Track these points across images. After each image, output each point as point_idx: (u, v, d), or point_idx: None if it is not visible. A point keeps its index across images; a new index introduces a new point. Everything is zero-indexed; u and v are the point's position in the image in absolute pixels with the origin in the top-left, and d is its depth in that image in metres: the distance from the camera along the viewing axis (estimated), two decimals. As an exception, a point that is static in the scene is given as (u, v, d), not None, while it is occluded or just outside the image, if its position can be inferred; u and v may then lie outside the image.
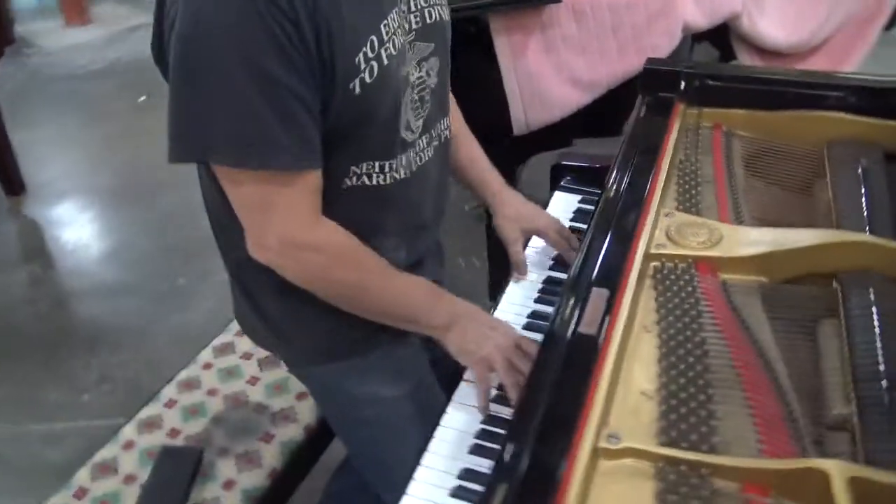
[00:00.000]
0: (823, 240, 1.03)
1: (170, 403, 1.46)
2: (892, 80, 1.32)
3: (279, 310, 1.10)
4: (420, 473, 0.97)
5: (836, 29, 2.23)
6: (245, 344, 1.58)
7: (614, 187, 1.16)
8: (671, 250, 1.04)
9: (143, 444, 1.37)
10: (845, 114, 1.31)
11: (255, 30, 0.80)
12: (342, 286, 1.01)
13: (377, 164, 0.99)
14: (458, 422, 1.04)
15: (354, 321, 1.07)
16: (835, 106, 1.32)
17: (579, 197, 1.51)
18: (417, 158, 1.05)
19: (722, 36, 2.01)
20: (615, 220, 1.08)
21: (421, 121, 1.03)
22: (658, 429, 0.81)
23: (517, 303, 1.23)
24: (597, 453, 0.77)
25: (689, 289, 0.99)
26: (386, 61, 0.92)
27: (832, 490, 0.68)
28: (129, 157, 3.47)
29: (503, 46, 1.77)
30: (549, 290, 1.26)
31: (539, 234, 1.29)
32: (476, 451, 0.99)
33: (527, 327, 1.18)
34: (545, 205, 1.48)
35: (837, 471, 0.70)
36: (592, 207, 1.46)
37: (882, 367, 0.86)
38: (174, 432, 1.39)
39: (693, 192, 1.19)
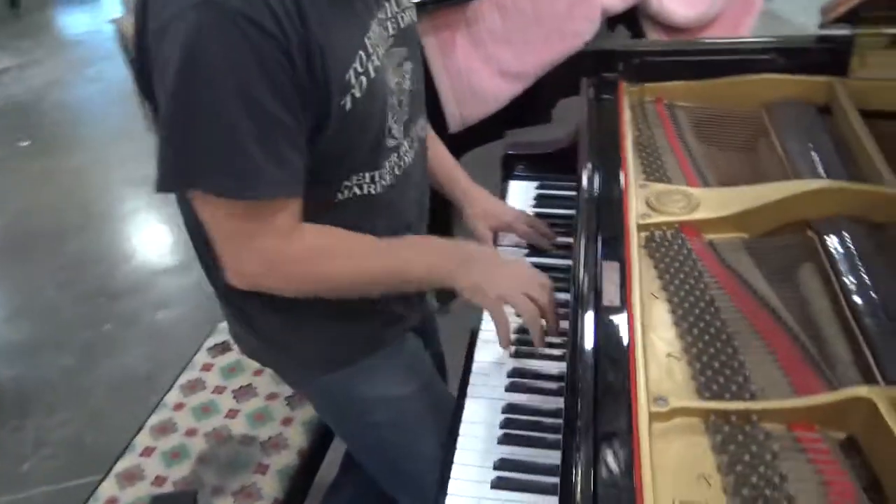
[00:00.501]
0: (793, 191, 1.09)
1: (146, 451, 1.38)
2: (810, 38, 1.42)
3: (277, 326, 1.07)
4: (457, 471, 0.96)
5: (727, 1, 2.36)
6: (215, 378, 1.52)
7: (590, 166, 1.18)
8: (657, 219, 1.08)
9: (127, 498, 1.29)
10: (775, 74, 1.39)
11: (246, 62, 0.78)
12: (341, 279, 0.98)
13: (367, 174, 0.99)
14: (480, 415, 1.03)
15: (355, 324, 1.05)
16: (764, 68, 1.40)
17: (536, 183, 1.53)
18: (401, 162, 1.05)
19: (632, 18, 2.09)
20: (601, 197, 1.10)
21: (402, 125, 1.03)
22: (696, 387, 0.84)
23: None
24: (650, 418, 0.78)
25: (684, 252, 1.03)
26: (373, 74, 0.91)
27: (880, 412, 0.73)
28: (24, 205, 3.25)
29: (431, 46, 1.77)
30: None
31: (509, 229, 1.31)
32: (505, 440, 0.99)
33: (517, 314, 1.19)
34: (500, 195, 1.49)
35: (880, 395, 0.74)
36: (551, 192, 1.51)
37: (879, 302, 0.92)
38: (160, 480, 1.32)
39: (657, 162, 1.24)
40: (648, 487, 0.69)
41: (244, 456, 1.34)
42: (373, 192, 1.00)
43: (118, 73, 4.08)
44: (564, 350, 1.12)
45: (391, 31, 0.98)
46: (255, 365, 1.53)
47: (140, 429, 1.43)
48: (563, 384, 1.06)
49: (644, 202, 1.11)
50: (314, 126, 0.89)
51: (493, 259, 1.06)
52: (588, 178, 1.15)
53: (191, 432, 1.40)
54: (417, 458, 1.11)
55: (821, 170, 1.17)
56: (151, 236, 2.98)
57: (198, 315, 2.54)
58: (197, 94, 0.80)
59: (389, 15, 0.98)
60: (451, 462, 0.97)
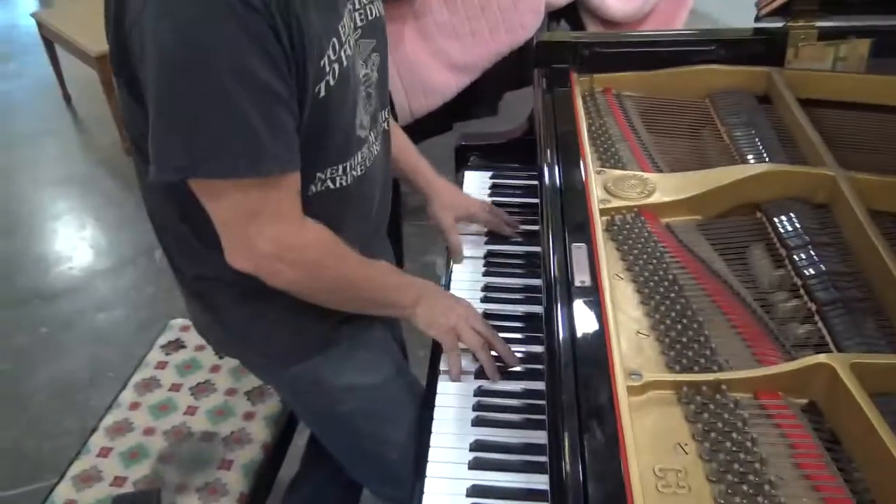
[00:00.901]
0: (741, 175, 1.15)
1: (103, 452, 1.34)
2: (748, 31, 1.48)
3: (244, 317, 1.06)
4: (434, 454, 0.97)
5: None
6: (170, 375, 1.49)
7: (549, 154, 1.21)
8: (616, 203, 1.12)
9: (86, 499, 1.25)
10: (717, 65, 1.45)
11: (237, 35, 0.77)
12: (332, 282, 1.00)
13: (340, 167, 0.99)
14: (452, 399, 1.05)
15: (319, 314, 1.05)
16: (707, 59, 1.46)
17: (490, 173, 1.56)
18: (370, 154, 1.06)
19: (573, 12, 2.14)
20: (564, 184, 1.13)
21: (369, 116, 1.03)
22: (666, 361, 0.87)
23: (468, 279, 1.26)
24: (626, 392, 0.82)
25: (645, 235, 1.07)
26: (345, 62, 0.91)
27: (840, 377, 0.78)
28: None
29: (380, 38, 1.77)
30: (493, 263, 1.30)
31: (473, 219, 1.33)
32: (479, 422, 1.01)
33: (485, 300, 1.22)
34: (458, 186, 1.52)
35: (839, 361, 0.80)
36: (506, 181, 1.53)
37: (827, 276, 0.98)
38: (119, 480, 1.28)
39: (612, 150, 1.28)
40: (633, 457, 0.72)
41: (207, 452, 1.32)
42: (344, 184, 1.01)
43: (40, 68, 3.92)
44: (528, 334, 1.16)
45: (359, 23, 0.98)
46: (213, 361, 1.51)
47: (94, 430, 1.39)
48: (529, 366, 1.10)
49: (602, 188, 1.14)
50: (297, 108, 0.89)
51: (442, 294, 1.13)
52: (549, 165, 1.18)
53: (149, 431, 1.37)
54: (389, 445, 1.12)
55: (765, 155, 1.23)
56: (86, 237, 2.88)
57: (140, 315, 2.47)
58: (194, 78, 0.78)
59: (358, 6, 0.98)
60: (426, 446, 0.99)
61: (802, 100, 1.34)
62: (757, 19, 1.47)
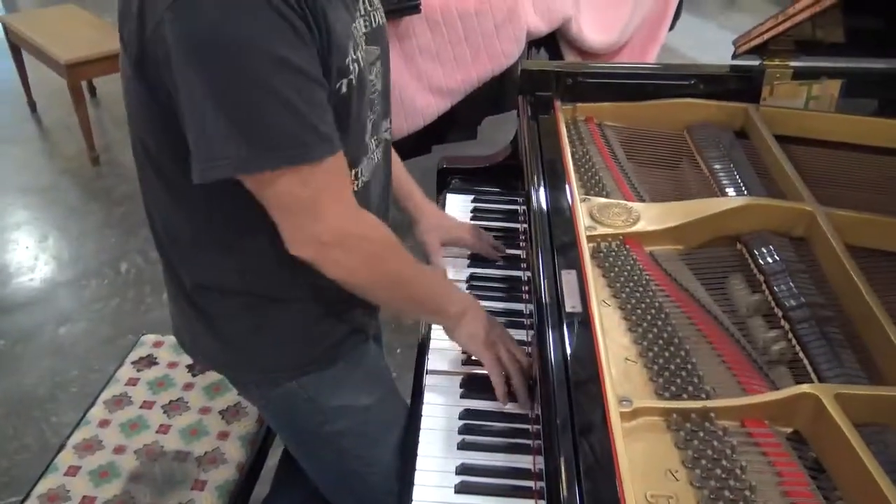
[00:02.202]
0: (723, 207, 1.18)
1: (71, 471, 1.30)
2: (725, 67, 1.53)
3: (243, 330, 1.03)
4: (420, 478, 0.97)
5: (635, 29, 2.51)
6: (142, 392, 1.46)
7: (537, 180, 1.23)
8: (602, 231, 1.14)
9: (52, 520, 1.22)
10: (695, 100, 1.49)
11: (274, 24, 0.77)
12: (387, 276, 1.00)
13: (351, 171, 0.99)
14: (438, 422, 1.05)
15: (323, 330, 1.04)
16: (686, 93, 1.50)
17: (471, 196, 1.57)
18: (373, 161, 1.06)
19: (552, 41, 2.19)
20: (551, 210, 1.15)
21: (371, 124, 1.04)
22: (654, 388, 0.89)
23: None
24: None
25: (630, 262, 1.09)
26: (361, 63, 0.92)
27: (825, 407, 0.80)
28: None
29: (364, 59, 1.78)
30: (475, 286, 1.31)
31: (460, 242, 1.34)
32: (465, 446, 1.01)
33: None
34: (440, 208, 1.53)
35: (824, 391, 0.82)
36: (487, 205, 1.55)
37: (807, 308, 1.00)
38: (87, 500, 1.25)
39: (595, 178, 1.30)
40: (628, 482, 0.73)
41: (180, 472, 1.30)
42: (353, 189, 1.00)
43: (4, 74, 3.84)
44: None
45: (364, 28, 0.99)
46: (186, 378, 1.49)
47: (62, 447, 1.35)
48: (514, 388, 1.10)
49: (588, 215, 1.16)
50: None
51: (482, 310, 1.12)
52: (536, 191, 1.20)
53: (119, 449, 1.34)
54: (374, 467, 1.11)
55: (744, 188, 1.27)
56: (48, 247, 2.81)
57: (104, 329, 2.42)
58: (237, 70, 0.78)
59: (363, 12, 0.98)
60: (412, 469, 0.98)
61: (778, 136, 1.38)
62: (734, 56, 1.51)
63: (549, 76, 1.51)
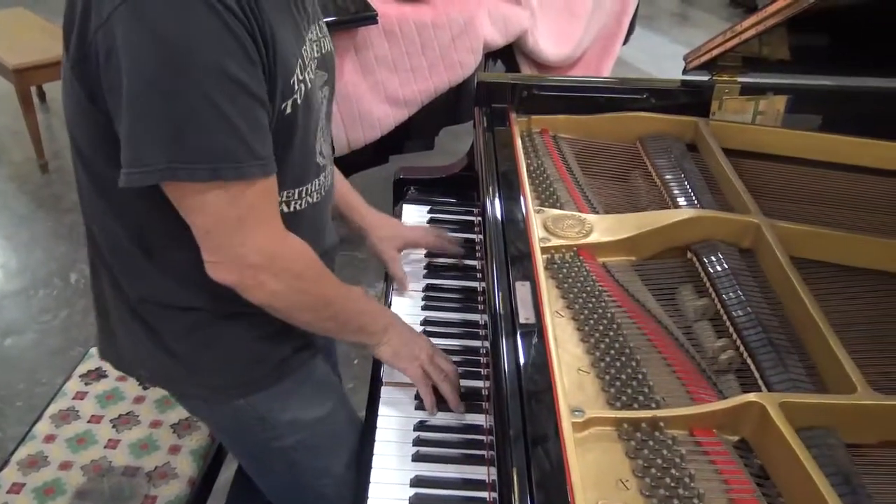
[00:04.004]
0: (673, 218, 1.20)
1: (14, 488, 1.26)
2: (676, 82, 1.56)
3: (194, 346, 1.02)
4: (373, 490, 0.97)
5: (590, 44, 2.55)
6: (90, 407, 1.42)
7: (492, 191, 1.24)
8: (556, 242, 1.15)
9: (-7, 540, 1.18)
10: (647, 113, 1.52)
11: (219, 35, 0.76)
12: (312, 299, 0.99)
13: (296, 190, 0.98)
14: (393, 434, 1.05)
15: (273, 346, 1.03)
16: (638, 107, 1.53)
17: (427, 207, 1.57)
18: (326, 182, 1.06)
19: (509, 53, 2.21)
20: (506, 221, 1.16)
21: (327, 145, 1.04)
22: (606, 398, 0.90)
23: (407, 313, 1.26)
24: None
25: (583, 274, 1.10)
26: (309, 85, 0.92)
27: (770, 415, 0.82)
28: None
29: (320, 68, 1.78)
30: (432, 297, 1.31)
31: (416, 246, 1.34)
32: (419, 457, 1.01)
33: (424, 334, 1.22)
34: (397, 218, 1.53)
35: (769, 400, 0.84)
36: (443, 216, 1.55)
37: (754, 316, 1.03)
38: (32, 518, 1.21)
39: (549, 189, 1.32)
40: (579, 492, 0.74)
41: (129, 488, 1.27)
42: (298, 208, 1.00)
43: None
44: (466, 368, 1.17)
45: (315, 53, 0.99)
46: (136, 391, 1.46)
47: (5, 463, 1.31)
48: (469, 401, 1.10)
49: (542, 227, 1.17)
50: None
51: (405, 325, 1.13)
52: (491, 202, 1.21)
53: (65, 465, 1.30)
54: (327, 479, 1.10)
55: (694, 199, 1.30)
56: (-8, 257, 2.74)
57: (52, 341, 2.35)
58: (174, 77, 0.76)
59: (315, 38, 0.99)
60: (367, 482, 0.98)
61: (727, 149, 1.42)
62: (685, 72, 1.55)
63: (505, 88, 1.52)
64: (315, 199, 1.03)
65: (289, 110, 0.89)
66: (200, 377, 1.04)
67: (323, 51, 1.02)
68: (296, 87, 0.89)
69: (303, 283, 0.96)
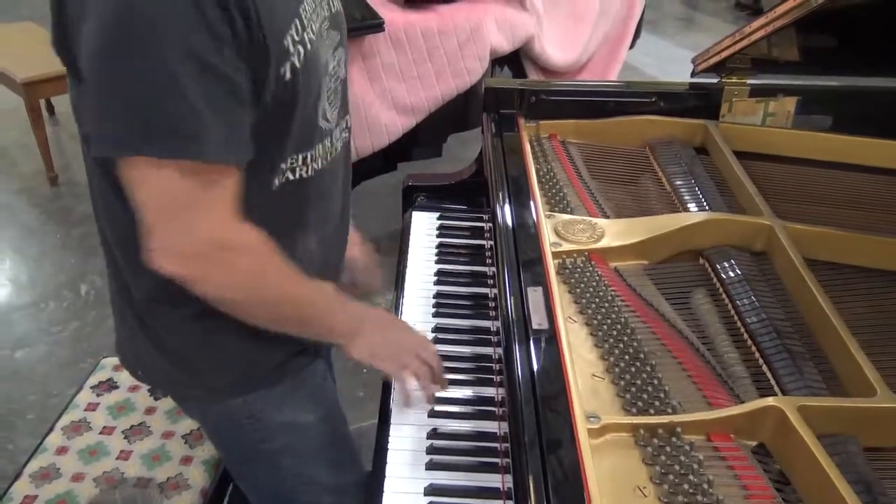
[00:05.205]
0: (685, 222, 1.19)
1: (27, 500, 1.26)
2: (685, 85, 1.55)
3: (190, 345, 1.01)
4: (387, 499, 0.96)
5: (597, 48, 2.54)
6: (101, 418, 1.42)
7: (502, 197, 1.23)
8: (567, 247, 1.14)
9: (7, 553, 1.18)
10: (656, 116, 1.52)
11: (185, 13, 0.74)
12: (266, 294, 0.93)
13: (300, 155, 0.94)
14: (405, 443, 1.04)
15: (274, 345, 1.02)
16: (646, 111, 1.52)
17: (437, 214, 1.57)
18: (333, 149, 1.02)
19: (515, 59, 2.20)
20: (517, 227, 1.15)
21: (335, 111, 1.00)
22: (621, 404, 0.89)
23: (418, 321, 1.26)
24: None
25: (596, 278, 1.09)
26: (310, 46, 0.88)
27: (789, 419, 0.81)
28: None
29: (328, 77, 1.78)
30: (443, 304, 1.31)
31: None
32: (433, 466, 1.00)
33: (435, 341, 1.21)
34: (406, 226, 1.53)
35: (788, 404, 0.83)
36: (453, 222, 1.55)
37: (769, 322, 1.02)
38: (45, 531, 1.21)
39: (560, 194, 1.31)
40: (596, 499, 0.73)
41: (141, 499, 1.26)
42: (304, 175, 0.96)
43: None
44: (478, 375, 1.16)
45: (325, 12, 0.96)
46: (147, 402, 1.45)
47: (18, 476, 1.31)
48: (481, 408, 1.10)
49: (553, 232, 1.17)
50: (258, 96, 0.84)
51: (386, 322, 1.08)
52: (502, 208, 1.20)
53: (78, 477, 1.30)
54: (311, 485, 1.09)
55: (705, 203, 1.29)
56: (5, 269, 2.74)
57: (63, 353, 2.36)
58: (137, 49, 0.74)
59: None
60: (380, 491, 0.97)
61: (737, 152, 1.41)
62: (693, 74, 1.54)
63: (513, 94, 1.52)
64: (321, 165, 0.99)
65: (288, 75, 0.85)
66: (197, 377, 1.02)
67: (333, 9, 0.98)
68: (291, 48, 0.85)
69: (255, 279, 0.91)
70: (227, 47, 0.78)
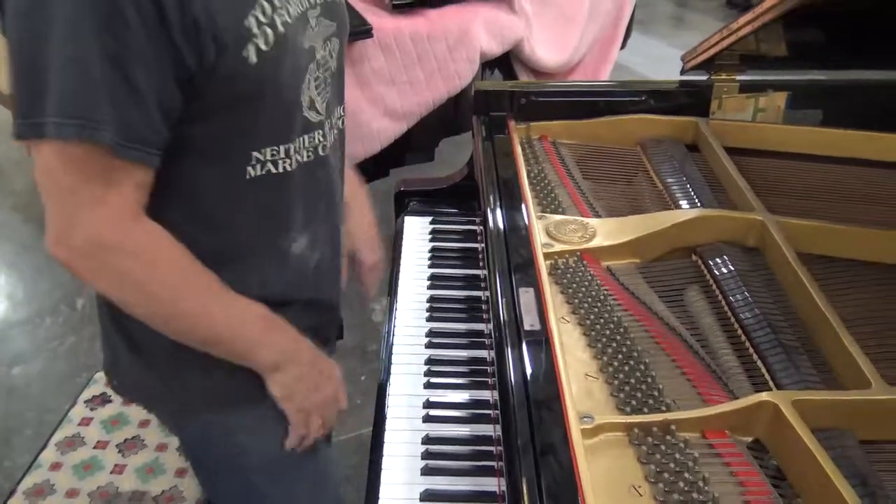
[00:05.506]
0: (676, 219, 1.19)
1: (22, 518, 1.25)
2: (674, 83, 1.55)
3: (168, 353, 0.95)
4: (384, 505, 0.95)
5: (588, 49, 2.54)
6: (95, 432, 1.41)
7: (493, 199, 1.23)
8: (559, 248, 1.13)
9: (2, 571, 1.17)
10: (647, 115, 1.51)
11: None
12: (160, 303, 0.86)
13: (281, 147, 0.90)
14: (400, 448, 1.03)
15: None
16: (636, 110, 1.52)
17: (430, 218, 1.56)
18: (323, 143, 0.97)
19: (506, 62, 2.20)
20: (508, 229, 1.15)
21: (324, 102, 0.96)
22: (615, 403, 0.88)
23: (411, 325, 1.25)
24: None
25: (588, 278, 1.09)
26: (281, 28, 0.84)
27: (784, 414, 0.80)
28: None
29: (317, 84, 1.78)
30: (436, 308, 1.30)
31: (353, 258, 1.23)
32: (428, 471, 1.00)
33: (429, 346, 1.21)
34: (399, 231, 1.52)
35: (782, 398, 0.82)
36: (445, 226, 1.54)
37: (762, 317, 1.01)
38: (40, 547, 1.20)
39: (551, 195, 1.30)
40: (591, 499, 0.72)
41: (137, 513, 1.25)
42: (287, 168, 0.92)
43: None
44: (473, 379, 1.15)
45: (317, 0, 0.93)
46: (142, 415, 1.44)
47: (12, 493, 1.30)
48: (477, 412, 1.09)
49: (545, 232, 1.16)
50: (208, 80, 0.80)
51: (313, 364, 0.99)
52: (492, 211, 1.20)
53: (72, 493, 1.29)
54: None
55: (697, 200, 1.28)
56: (0, 286, 2.74)
57: (59, 368, 2.35)
58: (45, 17, 0.71)
59: None
60: (376, 499, 0.96)
61: (728, 148, 1.40)
62: (683, 72, 1.54)
63: (503, 96, 1.52)
64: (306, 158, 0.94)
65: (253, 59, 0.81)
66: (171, 388, 1.00)
67: None
68: (255, 30, 0.80)
69: (144, 288, 0.85)
70: (149, 31, 0.73)
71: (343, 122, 1.06)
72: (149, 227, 0.84)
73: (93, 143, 0.74)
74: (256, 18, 0.82)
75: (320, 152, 0.97)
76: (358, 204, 1.22)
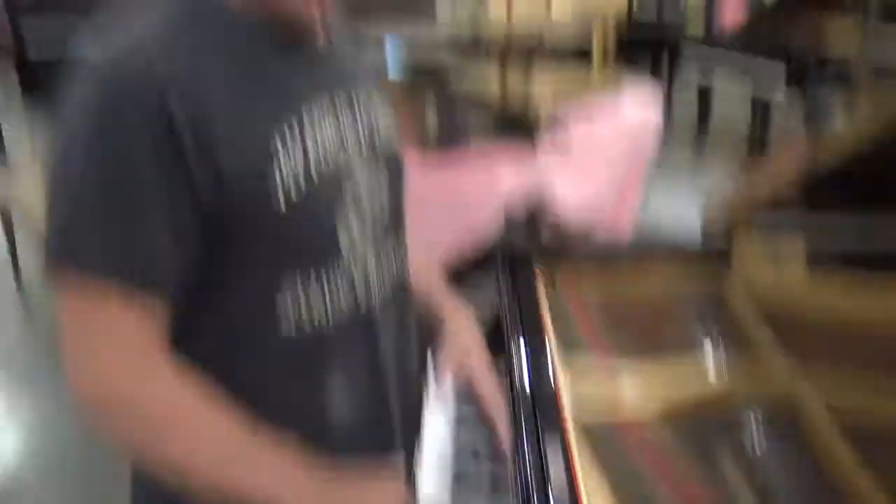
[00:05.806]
0: (708, 377, 1.17)
1: None
2: (696, 240, 1.57)
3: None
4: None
5: (608, 200, 2.60)
6: None
7: (516, 349, 1.21)
8: (588, 407, 1.11)
9: None
10: (672, 268, 1.53)
11: (118, 137, 0.71)
12: (175, 461, 0.77)
13: (313, 280, 0.82)
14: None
15: None
16: (661, 264, 1.53)
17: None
18: (371, 290, 0.88)
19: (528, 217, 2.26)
20: (536, 390, 1.12)
21: (370, 243, 0.89)
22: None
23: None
24: None
25: (618, 439, 1.06)
26: (317, 181, 0.80)
27: None
28: None
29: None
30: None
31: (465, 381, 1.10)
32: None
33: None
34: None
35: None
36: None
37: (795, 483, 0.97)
38: None
39: (577, 342, 1.29)
40: None
41: None
42: (326, 320, 0.83)
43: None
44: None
45: (362, 137, 0.89)
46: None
47: None
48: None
49: (571, 388, 1.13)
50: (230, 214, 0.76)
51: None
52: (519, 369, 1.17)
53: None
54: None
55: (723, 353, 1.27)
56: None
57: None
58: (61, 166, 0.75)
59: (346, 108, 0.88)
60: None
61: (753, 300, 1.40)
62: (702, 227, 1.58)
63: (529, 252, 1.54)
64: (347, 305, 0.84)
65: (283, 209, 0.77)
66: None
67: (375, 143, 0.90)
68: (278, 180, 0.76)
69: (157, 446, 0.76)
70: (167, 174, 0.73)
71: (403, 267, 0.99)
72: (167, 368, 0.77)
73: (104, 279, 0.73)
74: (278, 167, 0.78)
75: (368, 302, 0.87)
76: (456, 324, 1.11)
